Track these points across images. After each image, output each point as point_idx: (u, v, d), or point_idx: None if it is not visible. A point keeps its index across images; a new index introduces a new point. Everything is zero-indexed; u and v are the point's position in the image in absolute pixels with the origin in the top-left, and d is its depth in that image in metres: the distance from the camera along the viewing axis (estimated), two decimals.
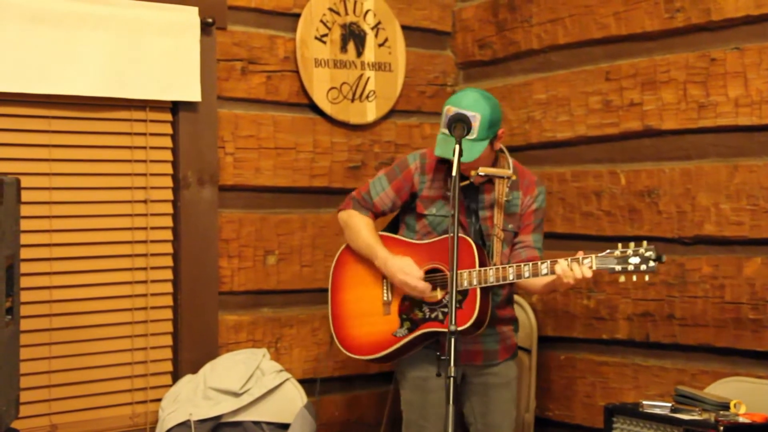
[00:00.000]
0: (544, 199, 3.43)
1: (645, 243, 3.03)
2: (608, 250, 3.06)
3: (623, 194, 3.95)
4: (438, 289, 3.30)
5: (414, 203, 3.43)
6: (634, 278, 3.06)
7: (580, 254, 3.08)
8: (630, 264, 3.03)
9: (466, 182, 3.28)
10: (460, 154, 2.94)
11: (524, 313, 4.20)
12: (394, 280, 3.34)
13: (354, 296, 3.46)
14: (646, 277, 3.06)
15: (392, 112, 4.39)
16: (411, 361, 3.40)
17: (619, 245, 3.06)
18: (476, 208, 3.36)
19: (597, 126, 4.04)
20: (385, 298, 3.40)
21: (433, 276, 3.32)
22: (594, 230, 4.01)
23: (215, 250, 3.91)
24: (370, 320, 3.39)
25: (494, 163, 3.37)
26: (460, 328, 3.13)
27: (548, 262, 3.10)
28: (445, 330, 3.02)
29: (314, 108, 4.18)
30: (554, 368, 4.21)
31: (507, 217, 3.36)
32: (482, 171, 3.21)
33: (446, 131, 3.17)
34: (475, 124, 3.14)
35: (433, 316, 3.30)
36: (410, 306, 3.37)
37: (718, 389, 3.47)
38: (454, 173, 2.87)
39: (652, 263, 2.99)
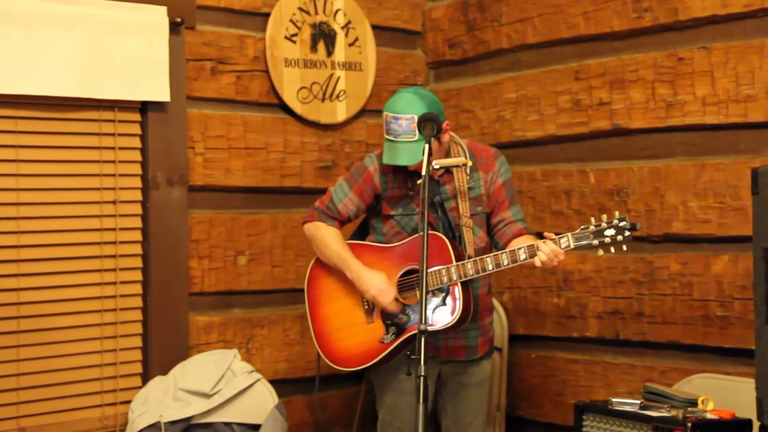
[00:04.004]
0: (508, 169, 3.39)
1: (617, 213, 3.03)
2: (582, 227, 3.06)
3: (593, 193, 3.97)
4: (417, 290, 3.28)
5: (379, 205, 3.41)
6: (612, 250, 3.02)
7: (550, 235, 3.08)
8: (606, 237, 3.02)
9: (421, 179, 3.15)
10: (430, 155, 2.95)
11: (495, 312, 4.18)
12: (366, 297, 3.33)
13: (334, 310, 3.43)
14: (624, 247, 3.02)
15: (363, 112, 4.38)
16: None
17: (592, 219, 3.06)
18: (440, 200, 3.34)
19: (567, 125, 4.05)
20: (366, 306, 3.38)
21: (409, 278, 3.31)
22: (564, 229, 3.93)
23: (185, 250, 3.89)
24: (354, 331, 3.36)
25: (447, 154, 3.35)
26: (445, 325, 3.16)
27: (525, 247, 3.09)
28: (437, 329, 3.16)
29: (284, 108, 4.17)
30: (525, 366, 4.21)
31: (472, 202, 3.33)
32: (436, 164, 3.14)
33: (389, 137, 3.18)
34: (414, 126, 3.13)
35: (416, 317, 3.29)
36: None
37: (686, 386, 3.49)
38: (423, 171, 2.90)
39: (627, 232, 2.99)
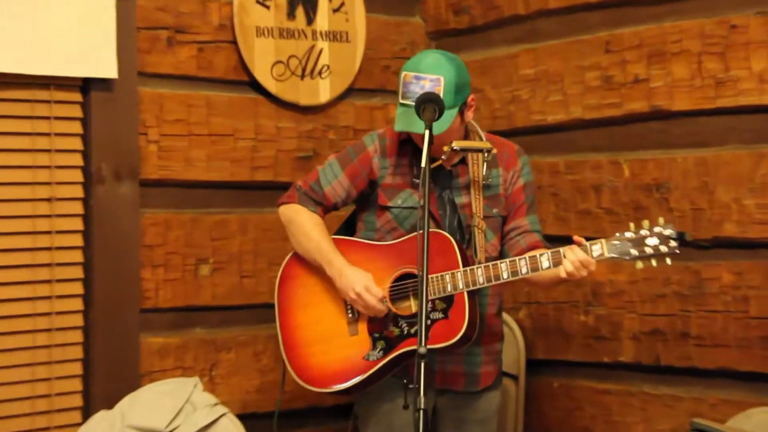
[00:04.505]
0: (531, 171, 3.45)
1: (661, 219, 3.06)
2: (618, 233, 3.08)
3: (627, 189, 3.97)
4: (412, 299, 3.30)
5: (374, 194, 3.42)
6: (654, 263, 3.06)
7: (579, 240, 3.11)
8: (648, 247, 3.05)
9: (437, 164, 3.28)
10: (430, 140, 2.95)
11: (510, 331, 4.19)
12: (345, 296, 3.34)
13: (310, 318, 3.44)
14: (668, 261, 3.06)
15: (350, 91, 4.39)
16: (373, 390, 3.40)
17: (631, 225, 3.08)
18: (451, 196, 3.37)
19: (595, 107, 4.06)
20: (350, 315, 3.39)
21: (404, 284, 3.32)
22: (592, 232, 3.98)
23: (136, 258, 3.91)
24: (333, 345, 3.38)
25: (465, 138, 3.40)
26: (448, 342, 3.19)
27: (548, 253, 3.11)
28: (435, 347, 3.16)
29: (256, 86, 4.17)
30: (546, 398, 4.22)
31: (488, 201, 3.37)
32: (456, 145, 3.22)
33: (406, 101, 3.20)
34: (439, 89, 3.16)
35: (413, 331, 3.28)
36: (383, 322, 3.35)
37: (743, 422, 3.46)
38: (423, 162, 2.89)
39: (673, 243, 3.03)
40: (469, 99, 3.29)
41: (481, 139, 3.39)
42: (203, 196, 4.10)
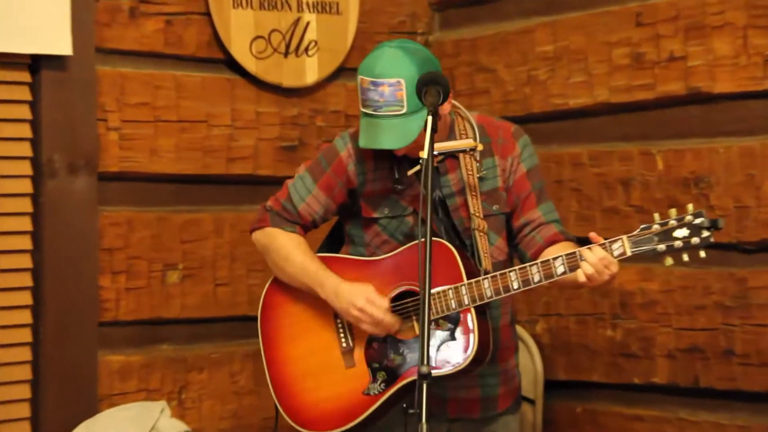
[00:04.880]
0: (533, 152, 3.43)
1: (690, 206, 3.04)
2: (643, 226, 3.08)
3: (661, 183, 3.95)
4: (414, 321, 3.30)
5: (357, 205, 3.44)
6: (685, 258, 3.04)
7: (597, 238, 3.12)
8: (676, 239, 3.03)
9: (417, 168, 3.27)
10: (433, 130, 2.97)
11: (525, 348, 4.18)
12: (347, 316, 3.33)
13: (300, 350, 3.45)
14: (702, 254, 3.04)
15: (341, 71, 4.38)
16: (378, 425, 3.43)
17: (656, 215, 3.07)
18: (441, 196, 3.36)
19: (624, 89, 4.03)
20: (344, 345, 3.40)
21: (403, 303, 3.33)
22: (621, 233, 3.64)
23: (93, 263, 3.91)
24: (328, 380, 3.40)
25: (450, 132, 3.37)
26: (457, 368, 3.20)
27: (563, 256, 3.11)
28: (443, 373, 3.19)
29: (232, 65, 4.18)
30: (567, 425, 4.21)
31: (486, 198, 3.36)
32: (435, 149, 3.16)
33: (367, 110, 3.23)
34: (401, 94, 3.16)
35: (416, 357, 3.28)
36: (381, 349, 3.35)
37: None
38: (426, 152, 2.91)
39: (705, 232, 3.01)
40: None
41: (470, 125, 3.39)
42: (171, 191, 4.10)
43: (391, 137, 3.17)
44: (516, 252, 3.43)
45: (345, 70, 4.38)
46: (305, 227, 3.47)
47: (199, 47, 4.10)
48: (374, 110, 3.20)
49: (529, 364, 4.14)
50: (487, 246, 3.34)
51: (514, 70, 4.35)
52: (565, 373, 4.21)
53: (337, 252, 3.54)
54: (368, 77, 3.21)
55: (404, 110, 3.17)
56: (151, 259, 4.03)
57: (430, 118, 2.97)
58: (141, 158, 4.00)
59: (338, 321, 3.40)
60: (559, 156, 4.16)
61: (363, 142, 3.24)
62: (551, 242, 3.33)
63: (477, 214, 3.34)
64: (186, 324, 4.11)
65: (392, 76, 3.16)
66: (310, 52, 4.28)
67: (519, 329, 4.13)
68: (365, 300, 3.27)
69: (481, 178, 3.35)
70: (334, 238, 3.60)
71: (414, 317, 3.30)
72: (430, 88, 3.07)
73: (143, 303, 4.01)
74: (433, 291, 3.15)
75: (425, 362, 2.66)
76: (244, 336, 4.09)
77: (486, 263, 3.30)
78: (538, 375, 4.16)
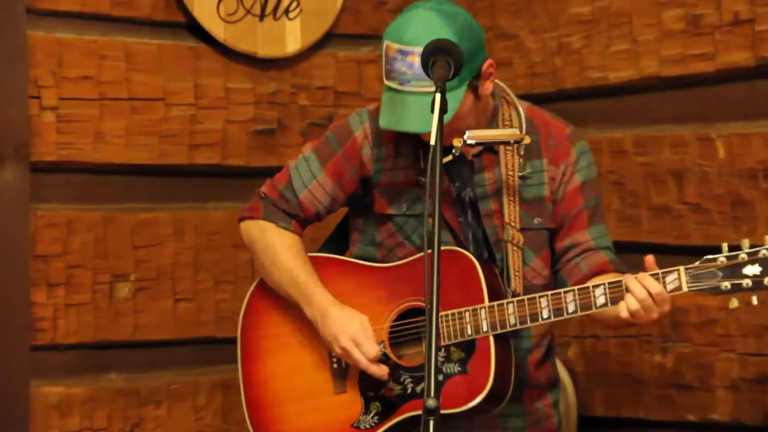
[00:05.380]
0: (592, 162, 3.43)
1: None
2: (706, 257, 3.04)
3: (722, 176, 3.90)
4: (423, 344, 3.30)
5: (369, 197, 3.42)
6: (755, 300, 3.01)
7: (651, 263, 3.09)
8: (746, 277, 2.99)
9: (449, 158, 3.24)
10: (442, 111, 2.87)
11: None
12: (333, 349, 3.35)
13: (283, 367, 3.48)
14: None
15: (329, 38, 4.39)
16: None
17: (724, 245, 3.03)
18: (473, 198, 3.35)
19: (677, 60, 3.99)
20: (336, 366, 3.41)
21: (410, 323, 3.34)
22: (672, 237, 3.95)
23: (24, 274, 3.91)
24: (313, 406, 3.44)
25: (492, 120, 3.36)
26: (468, 406, 3.20)
27: (605, 285, 3.11)
28: (452, 412, 3.18)
29: (196, 30, 4.18)
30: None
31: (528, 207, 3.35)
32: (470, 137, 3.20)
33: (392, 84, 3.19)
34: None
35: (419, 390, 3.28)
36: None
37: None
38: (432, 139, 2.81)
39: None
40: (485, 67, 3.25)
41: (517, 118, 3.38)
42: (121, 185, 4.09)
43: (418, 118, 3.12)
44: (556, 279, 3.41)
45: (334, 37, 4.39)
46: (305, 221, 3.48)
47: (155, 8, 4.09)
48: (400, 84, 3.16)
49: (561, 397, 3.90)
50: (520, 264, 3.33)
51: (542, 36, 4.34)
52: (604, 408, 4.20)
53: (343, 252, 3.54)
54: (395, 43, 3.18)
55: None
56: (97, 268, 4.00)
57: (438, 96, 2.87)
58: (83, 145, 3.98)
59: None
60: (597, 142, 4.08)
61: (384, 122, 3.23)
62: (598, 272, 3.30)
63: (513, 224, 3.32)
64: (139, 348, 4.09)
65: (425, 44, 3.08)
66: (291, 15, 4.26)
67: None
68: (349, 340, 3.29)
69: (523, 181, 3.34)
70: (341, 234, 3.60)
71: (422, 339, 3.29)
72: (439, 59, 3.00)
73: (87, 323, 3.98)
74: (446, 312, 3.19)
75: (432, 394, 2.56)
76: (210, 362, 4.11)
77: (516, 284, 3.30)
78: (570, 410, 4.09)
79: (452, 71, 3.01)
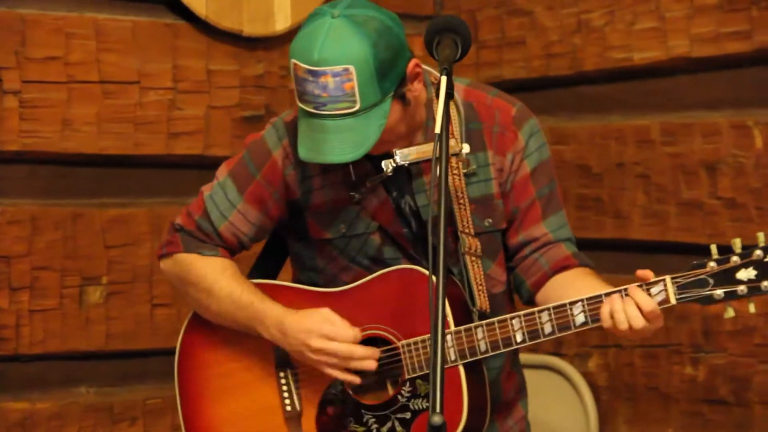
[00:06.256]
0: (543, 143, 3.28)
1: (762, 236, 2.86)
2: (694, 263, 2.91)
3: (759, 167, 3.89)
4: (387, 381, 3.18)
5: (301, 221, 3.30)
6: (752, 308, 2.87)
7: (646, 274, 2.94)
8: (740, 283, 2.86)
9: (382, 176, 3.12)
10: (449, 96, 2.79)
11: (573, 390, 4.22)
12: (305, 360, 3.18)
13: (228, 411, 3.35)
14: None
15: None
16: None
17: (713, 247, 2.90)
18: (414, 207, 3.20)
19: (710, 39, 3.99)
20: (289, 407, 3.28)
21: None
22: (704, 235, 3.91)
23: None
24: None
25: (428, 114, 3.19)
26: None
27: (584, 300, 2.97)
28: None
29: (175, 6, 4.17)
30: None
31: (477, 207, 3.21)
32: (401, 157, 3.08)
33: (307, 107, 3.03)
34: (352, 85, 2.96)
35: (384, 430, 3.16)
36: (339, 415, 3.24)
37: None
38: (439, 131, 2.75)
39: None
40: (410, 69, 3.07)
41: (456, 107, 3.23)
42: (92, 178, 4.10)
43: (340, 145, 3.00)
44: (513, 279, 3.33)
45: None
46: (231, 250, 3.35)
47: None
48: (316, 108, 3.00)
49: (579, 414, 4.17)
50: (482, 277, 3.22)
51: (559, 13, 4.35)
52: (628, 426, 4.22)
53: (275, 276, 3.45)
54: (303, 63, 3.01)
55: (357, 106, 2.98)
56: (65, 270, 4.00)
57: (444, 79, 2.78)
58: (50, 133, 3.99)
59: (281, 374, 3.28)
60: (621, 130, 4.18)
61: (303, 154, 3.09)
62: (560, 268, 3.17)
63: (466, 231, 3.21)
64: (112, 359, 4.11)
65: (337, 62, 2.97)
66: None
67: (568, 367, 4.24)
68: (318, 337, 3.14)
69: (468, 179, 3.22)
70: (270, 255, 3.48)
71: (385, 373, 3.17)
72: (445, 38, 2.93)
73: (54, 331, 3.99)
74: (407, 341, 3.07)
75: (438, 410, 2.46)
76: None
77: (481, 301, 3.18)
78: (591, 427, 4.16)
79: (459, 52, 2.92)
